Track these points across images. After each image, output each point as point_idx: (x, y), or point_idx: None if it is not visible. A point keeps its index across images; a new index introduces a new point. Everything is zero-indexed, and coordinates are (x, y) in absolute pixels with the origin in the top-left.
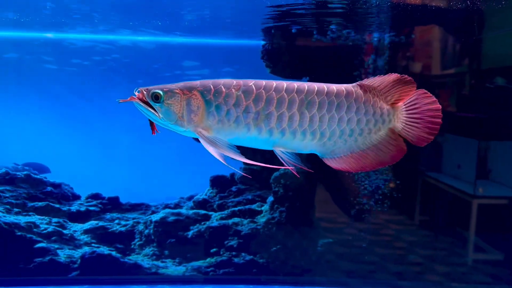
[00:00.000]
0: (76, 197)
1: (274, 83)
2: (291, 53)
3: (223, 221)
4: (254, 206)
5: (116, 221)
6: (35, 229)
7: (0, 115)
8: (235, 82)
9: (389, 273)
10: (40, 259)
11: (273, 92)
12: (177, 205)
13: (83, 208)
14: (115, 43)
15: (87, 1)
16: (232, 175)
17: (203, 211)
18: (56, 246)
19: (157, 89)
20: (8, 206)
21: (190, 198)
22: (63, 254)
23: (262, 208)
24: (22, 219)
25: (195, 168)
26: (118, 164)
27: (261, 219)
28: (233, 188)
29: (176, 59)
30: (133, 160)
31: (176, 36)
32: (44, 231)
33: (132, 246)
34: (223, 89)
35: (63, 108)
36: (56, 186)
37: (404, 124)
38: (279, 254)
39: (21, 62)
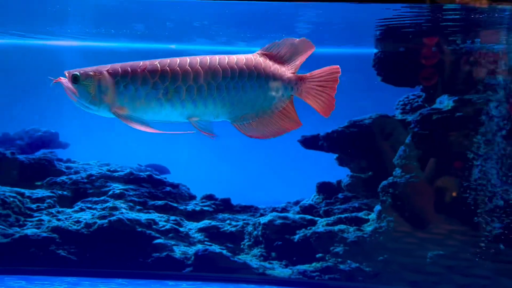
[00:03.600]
0: (192, 197)
1: (178, 59)
2: (405, 61)
3: (329, 227)
4: (360, 214)
5: (228, 221)
6: (154, 226)
7: None
8: (141, 63)
9: (454, 285)
10: (157, 254)
11: (178, 68)
12: (284, 209)
13: (198, 208)
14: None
15: (207, 15)
16: (339, 182)
17: (309, 216)
18: (173, 242)
19: (76, 71)
20: (131, 204)
21: (296, 203)
22: (179, 250)
23: (369, 216)
24: (143, 216)
25: (303, 174)
26: (231, 167)
27: (368, 228)
28: (340, 195)
29: None
30: (244, 164)
31: None
32: (162, 228)
33: (242, 246)
34: (129, 70)
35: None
36: (175, 186)
37: (308, 93)
38: (386, 263)
39: None
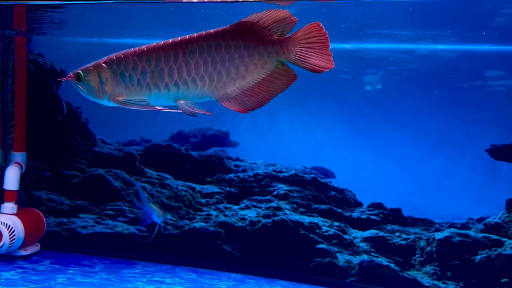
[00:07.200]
0: (358, 204)
1: (162, 42)
2: None
3: None
4: None
5: (397, 234)
6: (317, 230)
7: (296, 121)
8: (132, 49)
9: None
10: (319, 259)
11: (160, 50)
12: (465, 226)
13: (364, 216)
14: (413, 53)
15: (389, 12)
16: None
17: (495, 236)
18: (336, 249)
19: (79, 70)
20: (294, 205)
21: (480, 220)
22: (342, 258)
23: None
24: (306, 219)
25: (490, 188)
26: (405, 176)
27: None
28: None
29: (478, 69)
30: (420, 173)
31: (480, 44)
32: (326, 233)
33: (412, 262)
34: (122, 57)
35: (355, 116)
36: (340, 191)
37: (298, 54)
38: None
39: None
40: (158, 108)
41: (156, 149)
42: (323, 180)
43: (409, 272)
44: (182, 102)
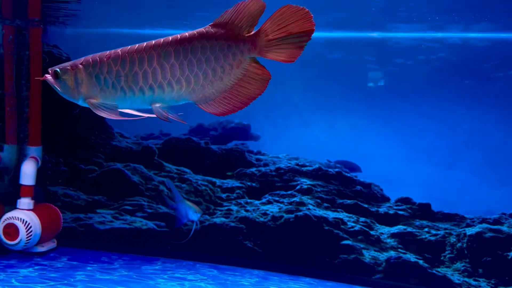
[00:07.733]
0: (385, 199)
1: (137, 45)
2: None
3: None
4: None
5: (426, 229)
6: (342, 226)
7: (319, 113)
8: (108, 52)
9: None
10: (345, 256)
11: (135, 54)
12: (497, 221)
13: (391, 211)
14: (444, 41)
15: None
16: None
17: None
18: (362, 245)
19: (56, 67)
20: (318, 200)
21: None
22: (368, 254)
23: None
24: (330, 214)
25: None
26: (434, 169)
27: None
28: None
29: None
30: (451, 166)
31: None
32: (351, 229)
33: (442, 258)
34: (98, 60)
35: (381, 108)
36: (366, 186)
37: (268, 47)
38: None
39: (344, 62)
40: (128, 116)
41: (175, 143)
42: (348, 174)
43: (439, 269)
44: (157, 105)
